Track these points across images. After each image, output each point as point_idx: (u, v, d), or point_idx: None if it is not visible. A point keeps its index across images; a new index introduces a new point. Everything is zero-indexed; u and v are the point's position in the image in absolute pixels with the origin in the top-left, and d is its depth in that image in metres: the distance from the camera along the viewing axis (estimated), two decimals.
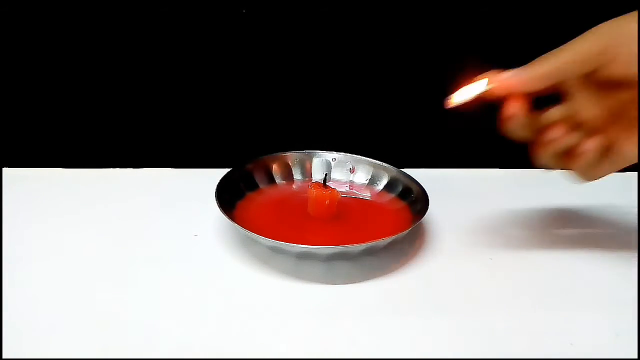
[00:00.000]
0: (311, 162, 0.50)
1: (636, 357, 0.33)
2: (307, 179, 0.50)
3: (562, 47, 0.37)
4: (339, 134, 0.52)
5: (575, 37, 0.37)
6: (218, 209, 0.41)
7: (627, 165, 0.39)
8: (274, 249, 0.41)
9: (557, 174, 0.41)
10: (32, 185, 0.50)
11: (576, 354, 0.33)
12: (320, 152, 0.50)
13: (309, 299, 0.37)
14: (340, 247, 0.38)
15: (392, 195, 0.48)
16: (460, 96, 0.38)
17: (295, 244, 0.38)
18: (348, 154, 0.50)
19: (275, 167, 0.49)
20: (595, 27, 0.37)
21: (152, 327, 0.34)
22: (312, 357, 0.32)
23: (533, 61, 0.37)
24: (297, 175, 0.50)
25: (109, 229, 0.44)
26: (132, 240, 0.43)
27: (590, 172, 0.39)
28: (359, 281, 0.39)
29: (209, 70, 0.55)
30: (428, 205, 0.43)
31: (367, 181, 0.49)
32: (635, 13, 0.36)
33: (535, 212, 0.48)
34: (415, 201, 0.45)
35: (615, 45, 0.36)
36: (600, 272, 0.41)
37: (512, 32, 0.53)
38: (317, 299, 0.37)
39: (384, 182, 0.49)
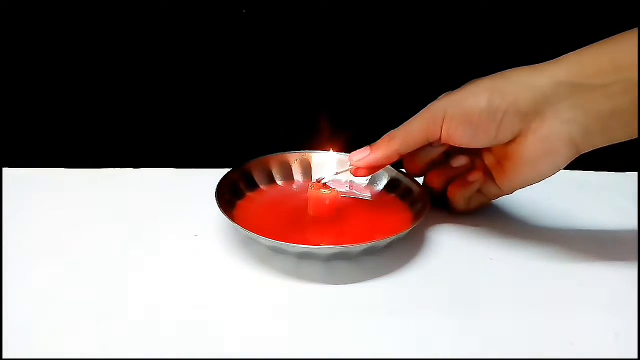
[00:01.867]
0: (311, 162, 0.50)
1: (636, 357, 0.33)
2: (307, 179, 0.50)
3: (403, 124, 0.43)
4: (339, 133, 0.52)
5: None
6: (218, 209, 0.41)
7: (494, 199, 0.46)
8: (274, 249, 0.41)
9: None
10: (32, 185, 0.50)
11: (576, 354, 0.33)
12: (320, 152, 0.50)
13: (309, 299, 0.37)
14: (340, 247, 0.38)
15: (392, 195, 0.48)
16: (330, 176, 0.45)
17: (295, 244, 0.38)
18: (348, 154, 0.50)
19: (275, 167, 0.49)
20: (431, 103, 0.42)
21: (151, 327, 0.34)
22: (312, 357, 0.32)
23: (382, 137, 0.43)
24: (297, 175, 0.50)
25: (109, 229, 0.44)
26: (132, 240, 0.43)
27: (466, 202, 0.45)
28: (359, 281, 0.39)
29: (208, 70, 0.55)
30: (428, 205, 0.43)
31: (367, 181, 0.49)
32: (472, 83, 0.41)
33: (535, 211, 0.48)
34: (415, 201, 0.45)
35: (448, 121, 0.40)
36: (600, 272, 0.41)
37: (511, 32, 0.53)
38: (317, 299, 0.37)
39: (384, 182, 0.49)
